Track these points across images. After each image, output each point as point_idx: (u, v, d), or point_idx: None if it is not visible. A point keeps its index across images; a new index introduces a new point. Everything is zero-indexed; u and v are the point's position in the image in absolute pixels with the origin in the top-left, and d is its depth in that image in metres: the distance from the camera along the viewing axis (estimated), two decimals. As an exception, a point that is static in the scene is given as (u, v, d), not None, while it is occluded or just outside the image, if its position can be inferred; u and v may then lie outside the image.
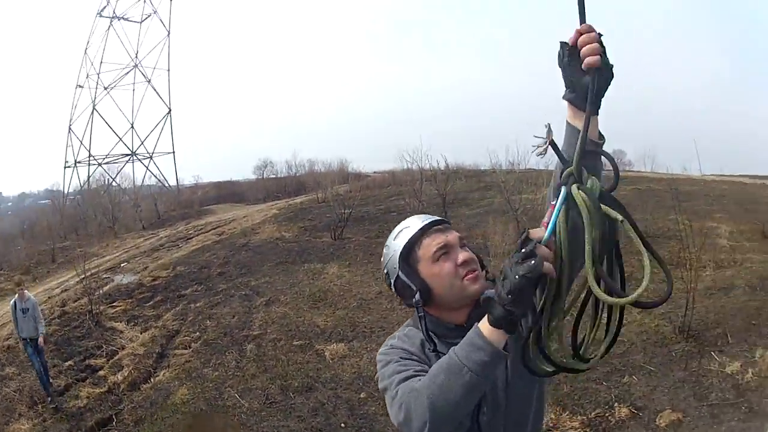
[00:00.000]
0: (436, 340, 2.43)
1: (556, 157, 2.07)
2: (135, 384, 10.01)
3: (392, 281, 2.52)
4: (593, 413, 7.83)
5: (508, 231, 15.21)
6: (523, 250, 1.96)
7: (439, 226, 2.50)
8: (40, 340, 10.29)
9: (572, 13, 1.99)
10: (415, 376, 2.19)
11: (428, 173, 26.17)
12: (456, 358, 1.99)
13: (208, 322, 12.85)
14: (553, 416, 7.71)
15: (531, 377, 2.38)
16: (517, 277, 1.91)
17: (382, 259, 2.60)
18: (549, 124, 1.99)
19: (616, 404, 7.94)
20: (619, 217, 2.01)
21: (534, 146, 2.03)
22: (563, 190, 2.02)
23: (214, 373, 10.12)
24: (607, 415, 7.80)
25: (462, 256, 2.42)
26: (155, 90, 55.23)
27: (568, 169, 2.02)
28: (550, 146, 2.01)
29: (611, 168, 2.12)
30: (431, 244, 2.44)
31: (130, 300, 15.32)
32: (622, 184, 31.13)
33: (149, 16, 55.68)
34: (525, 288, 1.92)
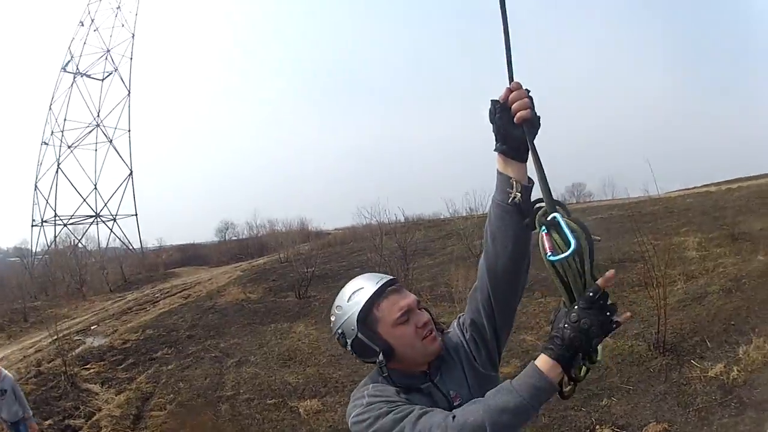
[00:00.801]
0: (402, 390, 2.49)
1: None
2: None
3: (349, 342, 2.56)
4: None
5: (470, 276, 14.71)
6: (601, 301, 2.04)
7: (393, 287, 2.55)
8: (33, 426, 9.22)
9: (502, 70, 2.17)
10: (428, 411, 2.23)
11: (388, 227, 26.39)
12: (525, 402, 2.02)
13: (181, 384, 12.76)
14: None
15: None
16: (609, 328, 2.03)
17: (332, 320, 2.61)
18: (515, 183, 2.22)
19: (597, 427, 8.02)
20: (598, 238, 2.13)
21: (509, 198, 2.24)
22: (559, 219, 2.11)
23: None
24: None
25: (421, 318, 2.50)
26: (116, 150, 54.90)
27: (543, 209, 2.18)
28: (520, 193, 2.21)
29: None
30: (392, 308, 2.49)
31: (102, 362, 15.18)
32: (584, 215, 31.74)
33: (110, 74, 55.54)
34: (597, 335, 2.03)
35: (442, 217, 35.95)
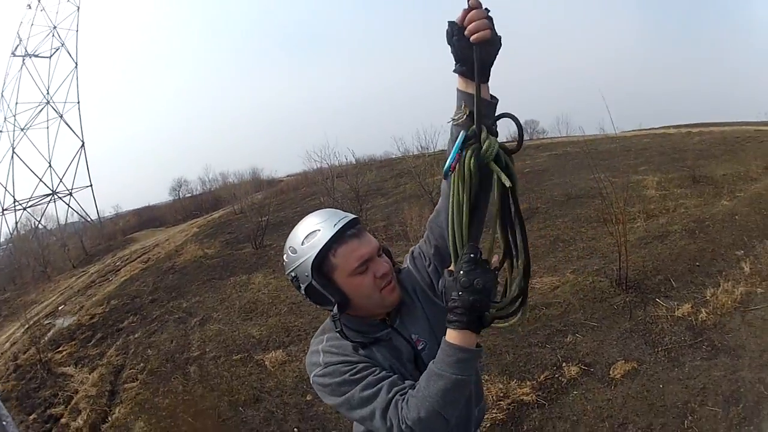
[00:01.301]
0: (361, 339, 2.49)
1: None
2: (95, 426, 9.92)
3: (303, 287, 2.52)
4: (542, 376, 7.73)
5: (424, 214, 15.20)
6: (481, 257, 2.15)
7: (353, 230, 2.47)
8: None
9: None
10: (393, 386, 2.28)
11: (339, 170, 26.22)
12: (460, 377, 2.10)
13: (149, 351, 12.80)
14: (501, 386, 7.60)
15: None
16: (491, 284, 2.12)
17: (285, 261, 2.56)
18: (464, 104, 2.18)
19: (564, 364, 7.89)
20: (507, 183, 2.16)
21: (452, 120, 2.22)
22: (461, 138, 2.15)
23: (165, 401, 10.07)
24: (557, 376, 7.72)
25: (381, 268, 2.47)
26: (68, 124, 54.41)
27: (471, 129, 2.15)
28: (467, 116, 2.17)
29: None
30: (349, 256, 2.43)
31: (73, 342, 15.08)
32: (538, 152, 31.82)
33: (58, 49, 54.73)
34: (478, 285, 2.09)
35: (393, 156, 35.85)
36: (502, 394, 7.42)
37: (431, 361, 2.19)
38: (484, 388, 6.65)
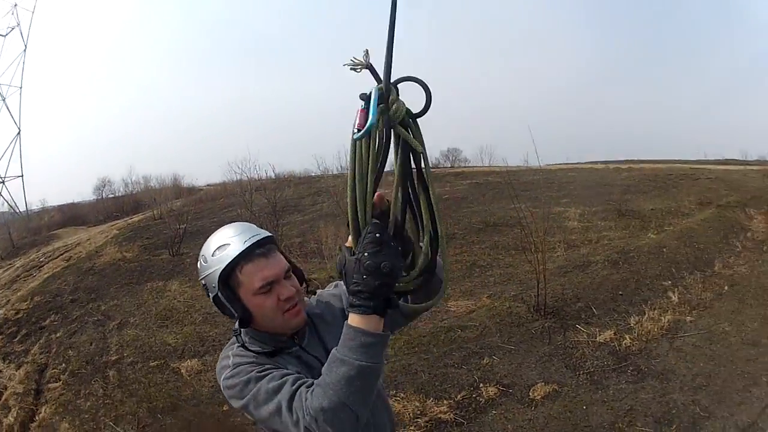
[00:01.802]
0: (267, 350, 2.52)
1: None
2: (25, 424, 10.07)
3: (210, 296, 2.57)
4: (459, 396, 7.88)
5: (339, 233, 15.94)
6: (387, 238, 2.04)
7: (262, 249, 2.49)
8: None
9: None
10: (299, 385, 2.21)
11: (258, 183, 26.54)
12: (366, 363, 2.01)
13: (70, 351, 12.90)
14: (417, 404, 7.72)
15: None
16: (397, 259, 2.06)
17: (198, 268, 2.60)
18: (367, 50, 1.98)
19: (481, 385, 8.05)
20: (418, 148, 2.06)
21: (349, 63, 1.99)
22: (374, 92, 1.99)
23: (86, 403, 10.21)
24: (474, 396, 7.87)
25: (285, 291, 2.48)
26: (8, 109, 53.21)
27: (378, 87, 1.99)
28: (368, 69, 1.99)
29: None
30: (254, 275, 2.46)
31: (0, 336, 15.09)
32: (458, 179, 33.07)
33: (12, 29, 53.24)
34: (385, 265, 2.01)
35: (312, 174, 36.51)
36: (419, 412, 7.57)
37: (333, 348, 2.12)
38: (400, 406, 7.65)
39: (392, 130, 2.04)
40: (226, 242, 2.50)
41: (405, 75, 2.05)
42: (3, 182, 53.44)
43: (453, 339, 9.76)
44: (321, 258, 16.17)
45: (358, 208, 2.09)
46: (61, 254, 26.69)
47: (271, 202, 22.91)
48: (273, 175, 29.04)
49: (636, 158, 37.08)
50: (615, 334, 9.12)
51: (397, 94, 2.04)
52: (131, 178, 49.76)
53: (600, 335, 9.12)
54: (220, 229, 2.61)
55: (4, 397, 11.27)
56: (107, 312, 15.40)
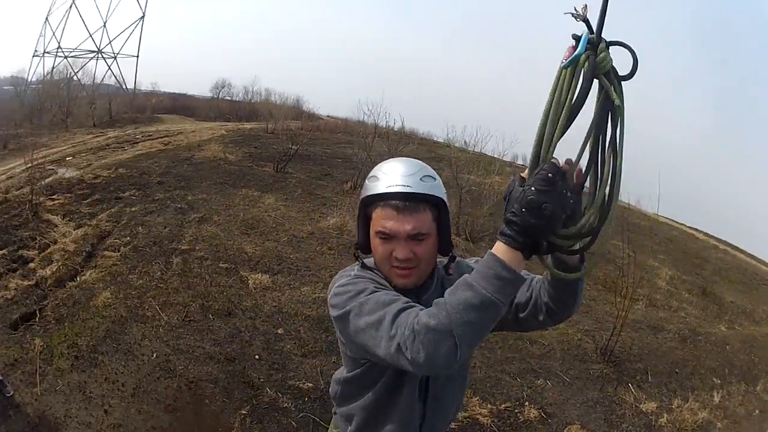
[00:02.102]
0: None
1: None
2: (61, 281, 9.62)
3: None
4: (503, 405, 7.61)
5: (450, 206, 14.86)
6: (559, 181, 1.92)
7: (401, 203, 2.36)
8: None
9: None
10: (409, 307, 2.12)
11: (381, 130, 25.70)
12: (489, 295, 1.89)
13: (140, 228, 12.52)
14: (464, 399, 7.57)
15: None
16: (563, 205, 1.93)
17: None
18: (586, 5, 1.93)
19: (526, 403, 7.75)
20: (617, 101, 1.97)
21: (572, 12, 1.93)
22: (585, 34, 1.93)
23: (139, 281, 9.83)
24: (516, 411, 7.60)
25: (400, 252, 2.37)
26: None
27: (589, 34, 1.94)
28: (584, 21, 1.93)
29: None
30: (378, 220, 2.40)
31: (69, 195, 14.86)
32: None
33: None
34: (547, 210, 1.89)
35: (435, 139, 35.46)
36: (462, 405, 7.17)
37: (466, 274, 2.00)
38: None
39: (596, 79, 1.98)
40: (379, 176, 2.46)
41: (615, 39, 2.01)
42: (115, 58, 55.11)
43: (519, 348, 9.59)
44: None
45: (544, 141, 1.98)
46: (161, 137, 26.85)
47: (391, 152, 21.61)
48: (398, 126, 28.03)
49: (728, 240, 34.63)
50: (657, 408, 8.56)
51: (607, 49, 1.97)
52: (253, 87, 50.87)
53: (644, 404, 8.61)
54: (395, 159, 2.56)
55: (49, 250, 10.96)
56: (192, 203, 14.98)
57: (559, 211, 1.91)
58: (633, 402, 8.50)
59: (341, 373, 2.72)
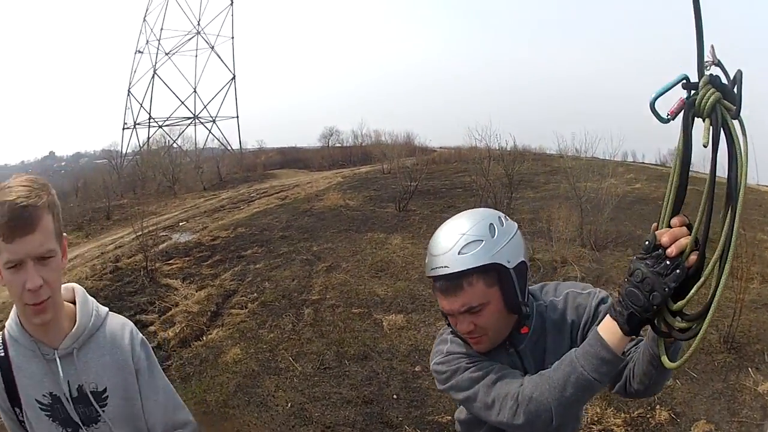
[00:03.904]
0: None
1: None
2: (186, 341, 9.92)
3: None
4: (636, 413, 7.71)
5: (571, 218, 15.26)
6: (667, 262, 1.81)
7: (443, 284, 2.37)
8: None
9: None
10: (504, 376, 2.26)
11: (495, 152, 25.55)
12: (586, 374, 1.98)
13: (266, 284, 12.70)
14: (598, 410, 7.67)
15: None
16: (666, 290, 1.80)
17: None
18: (713, 45, 1.74)
19: (657, 407, 7.81)
20: (743, 148, 1.73)
21: (708, 61, 1.74)
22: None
23: (269, 334, 10.03)
24: (648, 416, 7.70)
25: (461, 326, 2.39)
26: (219, 56, 56.74)
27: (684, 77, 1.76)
28: (717, 65, 1.73)
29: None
30: (439, 298, 2.42)
31: (187, 258, 15.22)
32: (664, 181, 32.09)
33: None
34: (669, 297, 1.81)
35: (548, 151, 35.33)
36: (596, 419, 7.54)
37: (574, 348, 2.11)
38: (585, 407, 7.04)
39: (721, 126, 1.71)
40: (429, 251, 2.46)
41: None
42: (214, 121, 57.12)
43: (651, 351, 8.74)
44: (548, 239, 14.99)
45: (663, 209, 1.91)
46: (276, 192, 27.44)
47: (509, 174, 21.55)
48: (510, 146, 27.62)
49: None
50: None
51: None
52: (361, 130, 51.12)
53: (761, 385, 8.40)
54: (442, 226, 2.49)
55: (170, 313, 11.28)
56: (318, 253, 15.20)
57: (660, 297, 1.82)
58: (752, 386, 8.38)
59: (460, 413, 2.84)
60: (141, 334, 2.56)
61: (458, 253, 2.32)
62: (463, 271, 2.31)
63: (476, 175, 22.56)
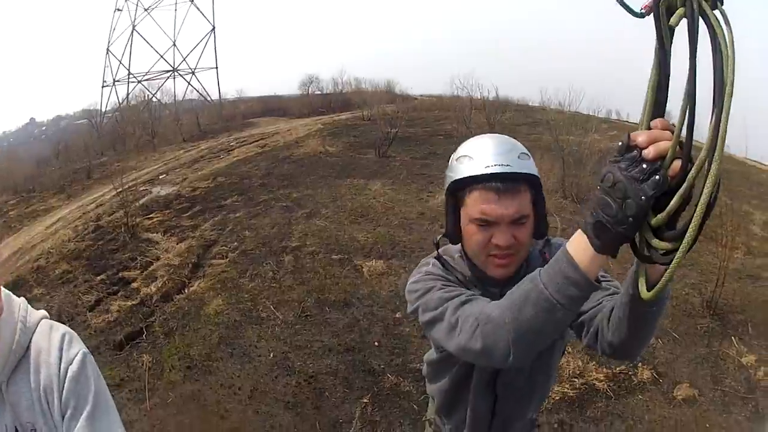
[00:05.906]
0: (462, 280, 2.41)
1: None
2: (168, 295, 9.86)
3: (444, 193, 2.44)
4: (618, 368, 7.76)
5: (553, 170, 15.45)
6: (644, 165, 1.54)
7: (502, 184, 2.22)
8: None
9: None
10: (473, 299, 2.13)
11: (477, 101, 25.97)
12: (547, 293, 1.72)
13: (246, 232, 12.80)
14: (580, 363, 7.70)
15: (559, 346, 2.56)
16: (643, 198, 1.53)
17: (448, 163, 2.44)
18: None
19: (640, 364, 7.88)
20: (728, 50, 1.47)
21: None
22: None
23: (250, 283, 10.05)
24: (630, 373, 7.75)
25: (501, 238, 2.25)
26: (198, 9, 55.67)
27: None
28: None
29: None
30: (477, 204, 2.26)
31: (167, 211, 15.24)
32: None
33: None
34: (648, 209, 1.55)
35: (530, 104, 35.16)
36: (578, 372, 7.55)
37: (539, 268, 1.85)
38: (564, 360, 7.66)
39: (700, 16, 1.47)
40: (472, 155, 2.31)
41: None
42: (193, 73, 55.77)
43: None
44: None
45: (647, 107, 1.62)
46: (256, 141, 27.52)
47: (491, 123, 22.36)
48: (493, 96, 28.59)
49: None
50: (756, 361, 8.34)
51: None
52: (342, 78, 50.82)
53: (744, 356, 8.45)
54: (483, 135, 2.46)
55: (152, 268, 11.26)
56: (298, 200, 15.35)
57: (642, 211, 1.58)
58: (735, 356, 8.44)
59: (430, 355, 2.82)
60: (83, 350, 1.92)
61: (518, 158, 2.28)
62: (524, 173, 2.26)
63: (457, 123, 23.10)
